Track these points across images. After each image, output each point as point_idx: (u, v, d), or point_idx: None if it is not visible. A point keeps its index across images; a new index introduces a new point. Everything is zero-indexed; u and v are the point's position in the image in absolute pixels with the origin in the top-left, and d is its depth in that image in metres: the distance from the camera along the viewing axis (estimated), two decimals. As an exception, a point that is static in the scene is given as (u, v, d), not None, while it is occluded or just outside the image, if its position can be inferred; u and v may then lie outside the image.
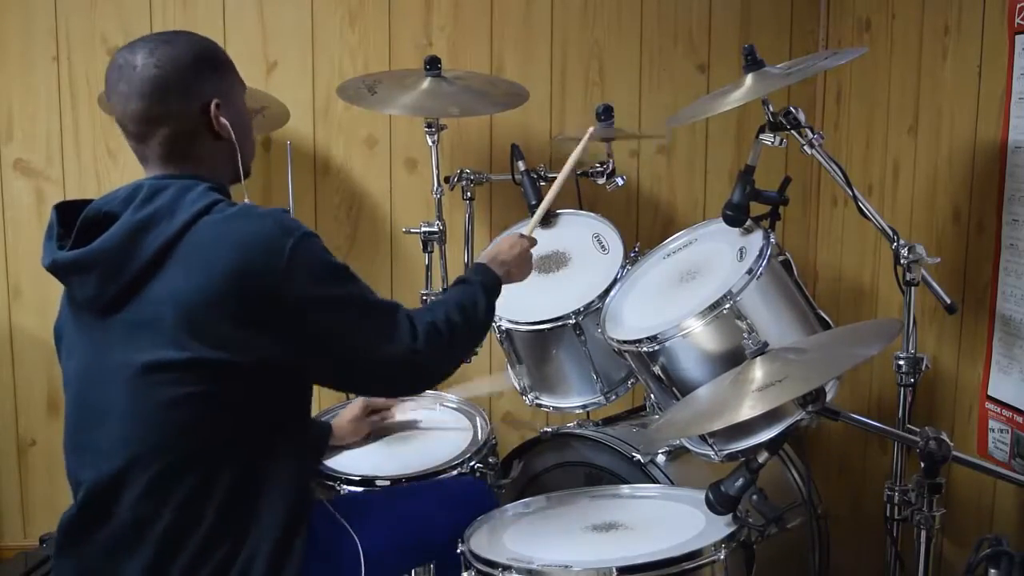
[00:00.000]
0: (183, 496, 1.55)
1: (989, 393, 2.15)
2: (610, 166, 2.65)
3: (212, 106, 1.63)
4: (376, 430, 2.31)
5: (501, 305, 2.42)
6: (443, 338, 1.71)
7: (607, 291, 2.29)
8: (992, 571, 1.60)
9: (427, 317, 1.72)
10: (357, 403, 2.25)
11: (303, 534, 1.66)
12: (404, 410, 2.40)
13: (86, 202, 1.63)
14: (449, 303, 1.80)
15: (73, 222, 1.60)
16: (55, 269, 1.61)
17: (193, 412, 1.54)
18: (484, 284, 1.88)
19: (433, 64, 2.60)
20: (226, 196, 1.66)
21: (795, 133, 2.00)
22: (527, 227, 2.16)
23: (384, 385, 1.79)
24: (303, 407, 1.74)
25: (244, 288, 1.52)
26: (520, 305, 2.40)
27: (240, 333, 1.52)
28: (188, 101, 1.62)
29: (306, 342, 1.58)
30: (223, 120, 1.65)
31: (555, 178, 2.68)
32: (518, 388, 2.48)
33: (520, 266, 2.03)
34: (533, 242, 2.10)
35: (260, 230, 1.55)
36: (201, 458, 1.56)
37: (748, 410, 1.63)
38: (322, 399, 2.91)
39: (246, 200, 1.70)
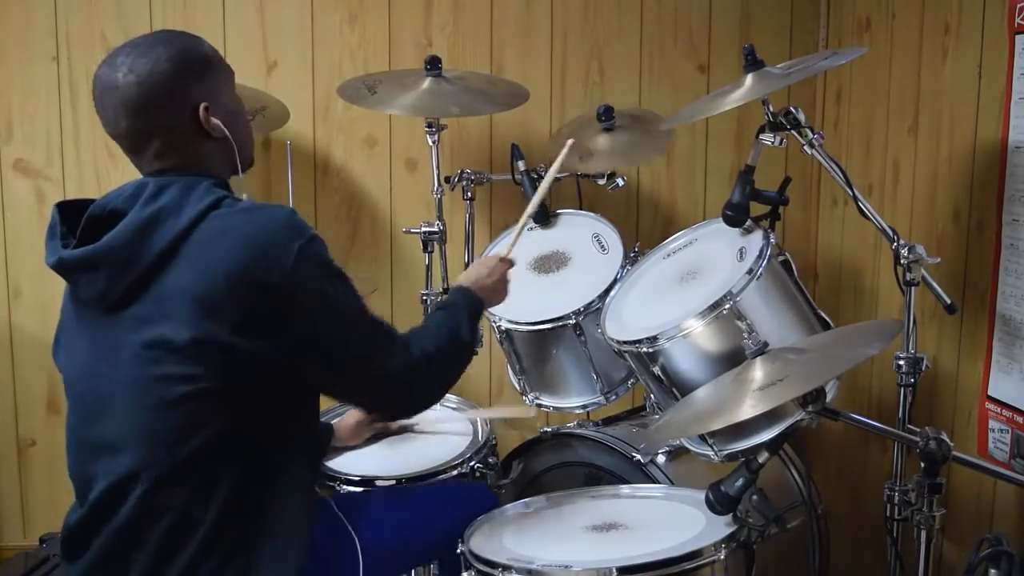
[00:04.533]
0: (188, 496, 1.55)
1: (989, 393, 2.15)
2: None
3: (201, 110, 1.62)
4: (376, 431, 2.31)
5: (501, 305, 2.44)
6: (433, 361, 1.72)
7: (607, 291, 2.29)
8: (992, 571, 1.61)
9: (417, 341, 1.73)
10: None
11: (307, 534, 1.66)
12: None
13: (87, 202, 1.63)
14: (436, 328, 1.80)
15: (75, 221, 1.60)
16: (61, 268, 1.61)
17: (199, 409, 1.53)
18: (468, 309, 1.87)
19: (433, 64, 2.60)
20: (228, 191, 1.66)
21: (795, 133, 2.00)
22: (505, 246, 2.10)
23: (378, 401, 1.80)
24: (309, 410, 1.74)
25: (248, 287, 1.51)
26: (520, 305, 2.40)
27: (242, 330, 1.52)
28: (175, 111, 1.61)
29: (304, 346, 1.58)
30: (214, 121, 1.63)
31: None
32: (518, 388, 2.48)
33: (497, 292, 2.01)
34: (512, 264, 2.06)
35: (268, 229, 1.55)
36: (208, 458, 1.55)
37: (749, 409, 1.63)
38: (322, 400, 2.91)
39: (244, 196, 1.70)
